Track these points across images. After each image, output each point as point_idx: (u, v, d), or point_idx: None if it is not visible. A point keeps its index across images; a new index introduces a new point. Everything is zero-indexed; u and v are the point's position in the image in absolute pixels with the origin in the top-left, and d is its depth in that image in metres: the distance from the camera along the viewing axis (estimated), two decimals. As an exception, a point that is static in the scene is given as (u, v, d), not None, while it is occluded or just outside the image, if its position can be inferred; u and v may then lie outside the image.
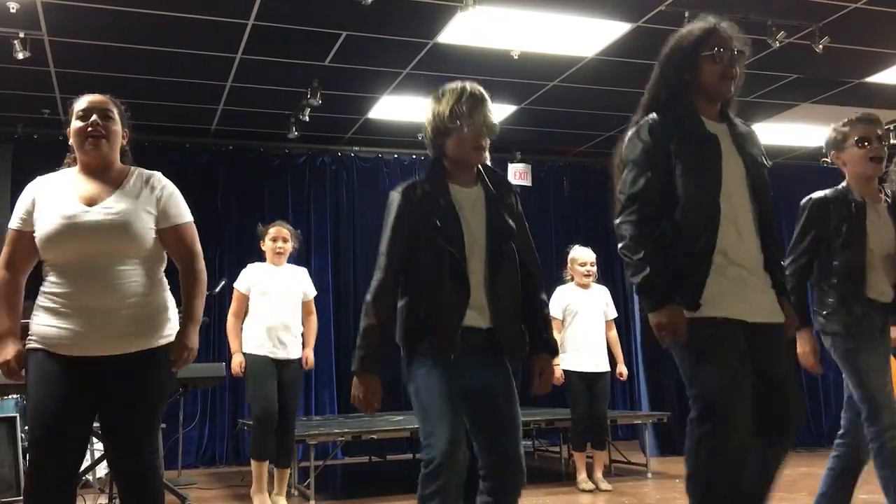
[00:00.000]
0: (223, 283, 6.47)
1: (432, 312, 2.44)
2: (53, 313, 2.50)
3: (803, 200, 3.28)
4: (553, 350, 2.61)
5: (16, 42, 5.39)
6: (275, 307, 4.98)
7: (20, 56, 5.44)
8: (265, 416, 4.88)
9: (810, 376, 8.69)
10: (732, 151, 2.51)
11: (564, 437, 7.46)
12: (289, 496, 5.02)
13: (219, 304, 7.37)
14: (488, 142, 2.55)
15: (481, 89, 2.56)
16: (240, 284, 5.12)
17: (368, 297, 2.48)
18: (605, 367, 5.81)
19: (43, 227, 2.53)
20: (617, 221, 2.48)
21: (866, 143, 3.15)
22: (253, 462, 5.03)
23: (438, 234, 2.42)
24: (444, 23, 5.51)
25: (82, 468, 5.57)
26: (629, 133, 2.57)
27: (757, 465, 2.43)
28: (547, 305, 2.68)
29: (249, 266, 5.22)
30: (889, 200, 3.24)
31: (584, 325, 5.79)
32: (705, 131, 2.50)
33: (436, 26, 5.57)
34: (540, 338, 2.58)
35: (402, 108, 7.16)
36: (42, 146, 7.03)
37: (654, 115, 2.52)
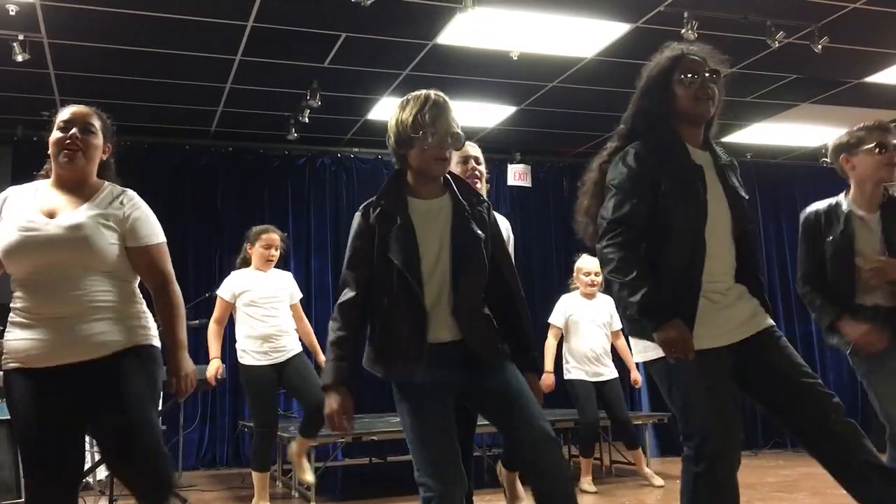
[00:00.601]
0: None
1: (388, 334, 2.39)
2: (23, 327, 2.47)
3: (802, 213, 3.30)
4: (538, 369, 2.59)
5: (15, 44, 5.39)
6: (266, 315, 4.95)
7: (19, 58, 5.45)
8: (265, 428, 4.89)
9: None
10: (716, 183, 2.51)
11: (565, 438, 7.47)
12: (289, 497, 5.01)
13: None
14: (452, 153, 2.47)
15: (445, 97, 2.49)
16: (223, 292, 5.05)
17: (334, 311, 2.43)
18: (612, 375, 5.83)
19: (3, 240, 2.49)
20: (600, 245, 2.45)
21: (883, 150, 3.13)
22: (254, 473, 5.00)
23: (389, 251, 2.36)
24: (444, 24, 5.51)
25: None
26: (607, 159, 2.58)
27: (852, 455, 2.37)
28: (528, 319, 2.59)
29: (234, 273, 5.16)
30: (885, 199, 3.22)
31: (587, 334, 5.79)
32: (691, 161, 2.50)
33: (435, 27, 5.57)
34: (525, 357, 2.52)
35: (401, 110, 7.15)
36: (41, 148, 6.89)
37: (638, 142, 2.51)
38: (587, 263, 5.85)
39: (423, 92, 2.49)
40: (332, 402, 2.35)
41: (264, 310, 4.96)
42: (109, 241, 2.52)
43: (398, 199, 2.45)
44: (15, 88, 6.35)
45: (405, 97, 2.51)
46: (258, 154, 8.08)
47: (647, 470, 5.82)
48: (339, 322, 2.41)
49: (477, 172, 3.33)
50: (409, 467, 2.46)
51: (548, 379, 5.66)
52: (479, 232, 2.46)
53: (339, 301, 2.44)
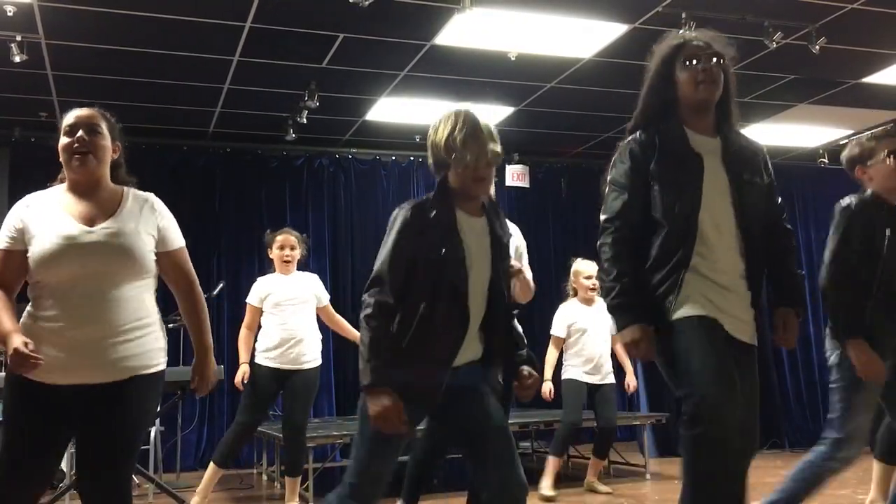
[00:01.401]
0: (221, 285, 6.46)
1: (424, 343, 2.32)
2: (38, 339, 2.39)
3: (837, 206, 3.19)
4: (532, 361, 2.59)
5: (13, 45, 5.38)
6: (287, 319, 4.91)
7: (17, 59, 5.44)
8: (247, 424, 4.87)
9: (809, 379, 8.75)
10: (718, 168, 2.48)
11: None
12: (300, 498, 5.00)
13: (216, 307, 7.37)
14: (491, 172, 2.43)
15: (477, 117, 2.46)
16: (252, 298, 5.04)
17: (370, 310, 2.29)
18: (611, 380, 5.69)
19: (40, 247, 2.44)
20: (598, 244, 2.51)
21: None
22: (211, 465, 4.92)
23: (444, 263, 2.31)
24: (442, 24, 5.51)
25: (73, 478, 5.59)
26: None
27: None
28: (517, 327, 2.67)
29: (260, 279, 5.15)
30: None
31: (592, 342, 5.64)
32: (688, 150, 2.48)
33: (433, 28, 5.57)
34: (519, 354, 2.55)
35: (399, 110, 7.16)
36: (39, 149, 7.00)
37: (636, 136, 2.53)
38: (586, 267, 5.70)
39: (455, 112, 2.47)
40: (383, 401, 2.23)
41: (285, 313, 4.92)
42: (149, 249, 2.55)
43: (448, 211, 2.39)
44: (12, 89, 6.34)
45: (441, 116, 2.48)
46: (256, 155, 8.08)
47: (593, 479, 5.67)
48: (377, 321, 2.29)
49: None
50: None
51: (546, 387, 5.63)
52: (505, 263, 2.52)
53: (379, 300, 2.30)
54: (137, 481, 5.72)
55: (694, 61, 2.49)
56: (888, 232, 3.06)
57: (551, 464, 5.60)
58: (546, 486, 5.47)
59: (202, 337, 2.68)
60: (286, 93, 6.65)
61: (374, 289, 2.32)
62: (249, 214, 7.86)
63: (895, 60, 6.37)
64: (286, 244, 5.04)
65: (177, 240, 2.67)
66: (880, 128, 3.38)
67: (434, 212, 2.37)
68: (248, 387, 4.96)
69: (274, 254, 5.06)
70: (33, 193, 2.62)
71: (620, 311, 2.42)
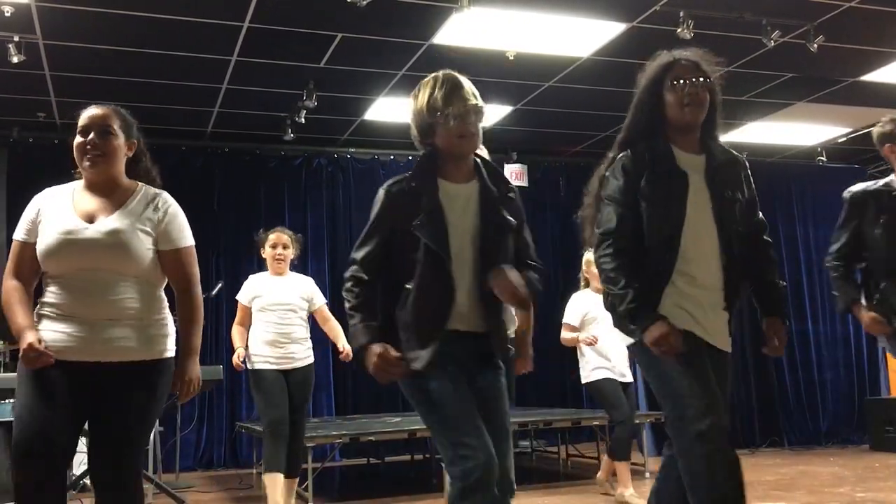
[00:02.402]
0: (220, 285, 6.46)
1: (411, 315, 2.33)
2: (53, 319, 2.52)
3: (844, 193, 3.40)
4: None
5: (10, 45, 5.38)
6: (276, 321, 4.84)
7: (15, 59, 5.44)
8: (276, 425, 4.71)
9: (808, 377, 8.77)
10: (702, 187, 2.56)
11: (562, 438, 7.48)
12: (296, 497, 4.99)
13: (215, 307, 7.38)
14: (477, 127, 2.41)
15: (455, 74, 2.47)
16: (242, 297, 4.98)
17: (348, 284, 2.37)
18: (630, 378, 5.49)
19: (43, 241, 2.54)
20: (595, 256, 2.57)
21: None
22: (265, 475, 4.82)
23: (419, 232, 2.32)
24: (440, 24, 5.51)
25: (80, 473, 5.58)
26: (605, 170, 2.65)
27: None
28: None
29: (251, 277, 5.06)
30: None
31: (604, 333, 5.37)
32: (675, 168, 2.56)
33: (431, 27, 5.57)
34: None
35: (398, 110, 7.16)
36: (37, 149, 7.00)
37: (627, 153, 2.59)
38: None
39: (432, 75, 2.47)
40: (373, 355, 2.26)
41: (275, 315, 4.85)
42: (146, 247, 2.58)
43: (429, 180, 2.40)
44: (10, 90, 6.33)
45: (419, 84, 2.49)
46: (255, 155, 8.08)
47: (603, 476, 5.52)
48: (356, 290, 2.36)
49: None
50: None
51: (581, 335, 5.40)
52: (510, 219, 2.45)
53: (354, 275, 2.37)
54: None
55: (681, 82, 2.55)
56: (883, 218, 3.23)
57: (622, 469, 5.31)
58: (629, 494, 5.19)
59: (190, 339, 2.66)
60: (284, 93, 6.65)
61: (350, 267, 2.41)
62: (248, 214, 7.86)
63: (893, 58, 6.38)
64: (279, 243, 4.92)
65: (180, 239, 2.68)
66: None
67: (413, 183, 2.40)
68: (257, 392, 4.86)
69: (266, 253, 4.95)
70: (52, 187, 2.68)
71: (639, 314, 2.44)
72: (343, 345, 4.95)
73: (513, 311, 3.26)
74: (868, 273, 3.37)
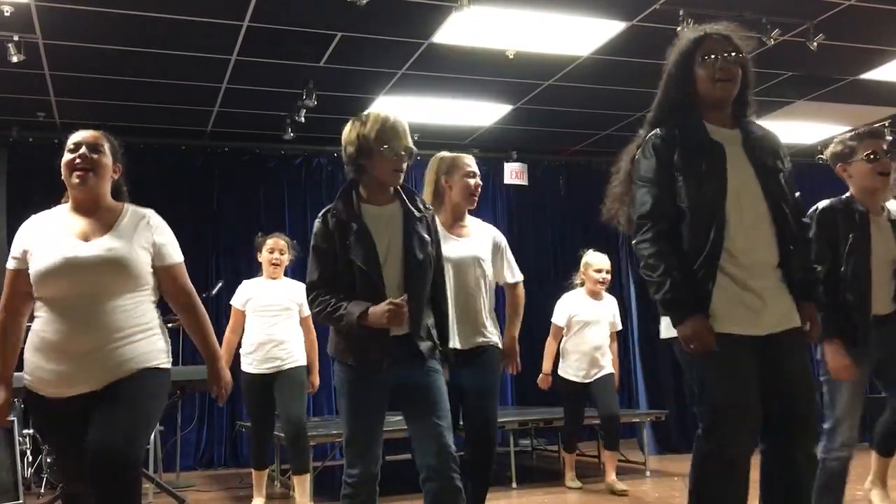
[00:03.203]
0: (220, 285, 6.46)
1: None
2: (40, 354, 2.52)
3: (810, 210, 3.26)
4: (450, 361, 2.89)
5: (10, 45, 5.37)
6: (267, 324, 4.96)
7: (14, 59, 5.43)
8: (257, 425, 4.99)
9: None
10: (741, 157, 2.48)
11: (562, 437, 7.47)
12: (287, 497, 5.00)
13: (215, 307, 7.37)
14: (405, 167, 2.77)
15: (401, 119, 2.80)
16: (236, 301, 5.10)
17: (317, 308, 2.70)
18: (608, 370, 5.58)
19: (40, 263, 2.54)
20: (634, 242, 2.49)
21: (875, 158, 3.18)
22: (253, 472, 5.12)
23: (350, 253, 2.65)
24: (440, 23, 5.50)
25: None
26: (636, 149, 2.57)
27: (785, 472, 2.43)
28: (448, 318, 2.95)
29: (245, 282, 5.20)
30: (893, 217, 3.27)
31: (589, 336, 5.57)
32: (709, 140, 2.48)
33: (431, 26, 5.57)
34: (445, 347, 2.85)
35: (397, 109, 7.02)
36: (37, 149, 7.00)
37: (657, 131, 2.52)
38: (598, 259, 5.63)
39: (381, 112, 2.82)
40: (381, 307, 2.57)
41: (265, 318, 4.96)
42: (144, 262, 2.62)
43: (353, 207, 2.74)
44: (10, 89, 6.33)
45: (360, 115, 2.83)
46: (254, 154, 8.07)
47: (611, 476, 5.50)
48: (322, 297, 2.69)
49: (478, 188, 3.53)
50: (406, 467, 2.49)
51: (545, 382, 5.66)
52: (427, 236, 2.77)
53: (311, 296, 2.74)
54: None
55: (712, 56, 2.49)
56: (851, 237, 3.14)
57: (567, 459, 5.82)
58: (568, 478, 5.68)
59: (209, 348, 2.78)
60: (284, 92, 6.65)
61: (308, 291, 2.75)
62: (248, 214, 7.85)
63: (893, 57, 6.38)
64: (275, 248, 5.10)
65: (173, 255, 2.72)
66: (863, 127, 3.42)
67: (338, 211, 2.73)
68: (244, 394, 5.04)
69: (263, 257, 5.12)
70: (37, 214, 2.71)
71: (676, 306, 2.37)
72: (315, 377, 5.16)
73: (493, 327, 3.54)
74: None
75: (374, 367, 2.65)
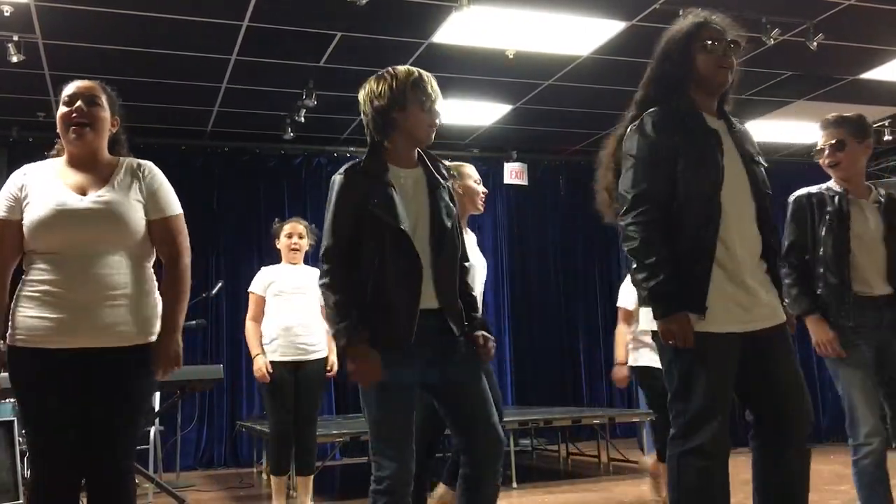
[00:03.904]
0: (220, 285, 6.45)
1: (382, 295, 2.38)
2: (37, 303, 2.42)
3: (790, 198, 3.38)
4: (486, 326, 2.63)
5: (10, 45, 5.38)
6: (291, 307, 4.76)
7: (14, 59, 5.44)
8: (281, 430, 4.70)
9: (808, 374, 8.75)
10: (731, 146, 2.48)
11: (563, 436, 7.48)
12: (287, 497, 4.98)
13: (215, 307, 7.38)
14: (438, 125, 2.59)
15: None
16: (255, 287, 4.90)
17: (326, 279, 2.41)
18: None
19: (34, 214, 2.45)
20: (623, 221, 2.40)
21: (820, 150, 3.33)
22: (272, 477, 4.85)
23: (378, 211, 2.40)
24: (439, 23, 5.51)
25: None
26: (628, 128, 2.52)
27: (781, 469, 2.42)
28: (472, 288, 2.69)
29: (264, 268, 5.02)
30: (882, 200, 3.28)
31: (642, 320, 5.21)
32: (707, 126, 2.48)
33: (431, 26, 5.57)
34: (473, 317, 2.59)
35: (397, 109, 7.15)
36: (37, 149, 6.98)
37: (654, 110, 2.47)
38: None
39: (405, 67, 2.62)
40: (356, 362, 2.35)
41: (289, 303, 4.77)
42: (139, 216, 2.52)
43: (380, 165, 2.50)
44: (10, 89, 6.34)
45: (382, 71, 2.66)
46: (254, 154, 8.08)
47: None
48: (331, 288, 2.41)
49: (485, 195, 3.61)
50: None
51: (620, 372, 4.95)
52: (452, 206, 2.57)
53: (330, 268, 2.42)
54: (137, 480, 5.71)
55: (717, 42, 2.51)
56: (827, 217, 3.21)
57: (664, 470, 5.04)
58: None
59: (175, 314, 2.56)
60: (284, 92, 6.65)
61: (323, 258, 2.45)
62: (248, 214, 7.86)
63: (892, 56, 6.38)
64: (294, 232, 4.89)
65: (169, 206, 2.60)
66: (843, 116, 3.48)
67: (365, 168, 2.48)
68: (263, 387, 4.79)
69: (281, 243, 4.91)
70: (32, 163, 2.61)
71: (663, 299, 2.33)
72: (333, 356, 4.86)
73: None
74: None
75: (400, 344, 2.38)
